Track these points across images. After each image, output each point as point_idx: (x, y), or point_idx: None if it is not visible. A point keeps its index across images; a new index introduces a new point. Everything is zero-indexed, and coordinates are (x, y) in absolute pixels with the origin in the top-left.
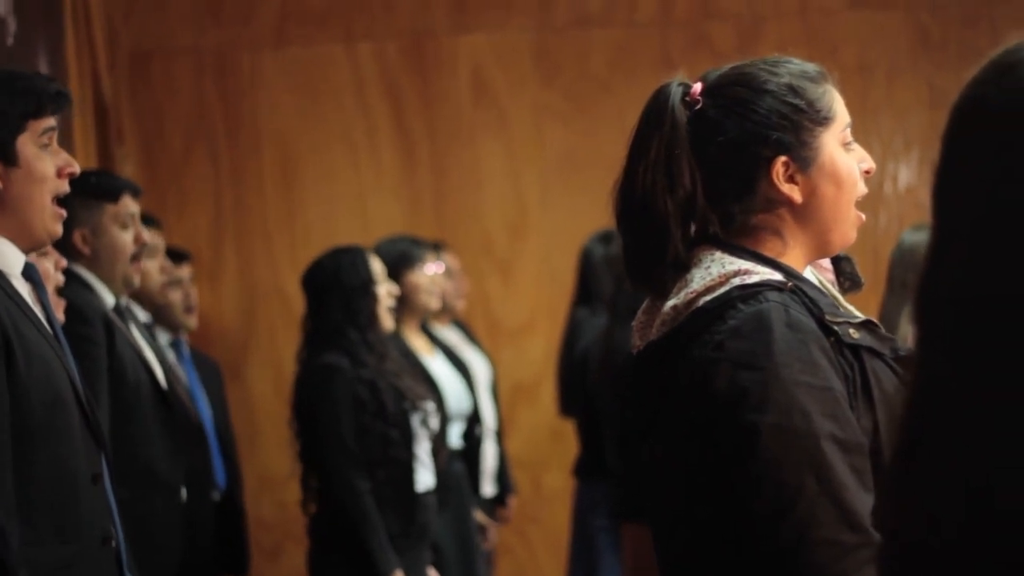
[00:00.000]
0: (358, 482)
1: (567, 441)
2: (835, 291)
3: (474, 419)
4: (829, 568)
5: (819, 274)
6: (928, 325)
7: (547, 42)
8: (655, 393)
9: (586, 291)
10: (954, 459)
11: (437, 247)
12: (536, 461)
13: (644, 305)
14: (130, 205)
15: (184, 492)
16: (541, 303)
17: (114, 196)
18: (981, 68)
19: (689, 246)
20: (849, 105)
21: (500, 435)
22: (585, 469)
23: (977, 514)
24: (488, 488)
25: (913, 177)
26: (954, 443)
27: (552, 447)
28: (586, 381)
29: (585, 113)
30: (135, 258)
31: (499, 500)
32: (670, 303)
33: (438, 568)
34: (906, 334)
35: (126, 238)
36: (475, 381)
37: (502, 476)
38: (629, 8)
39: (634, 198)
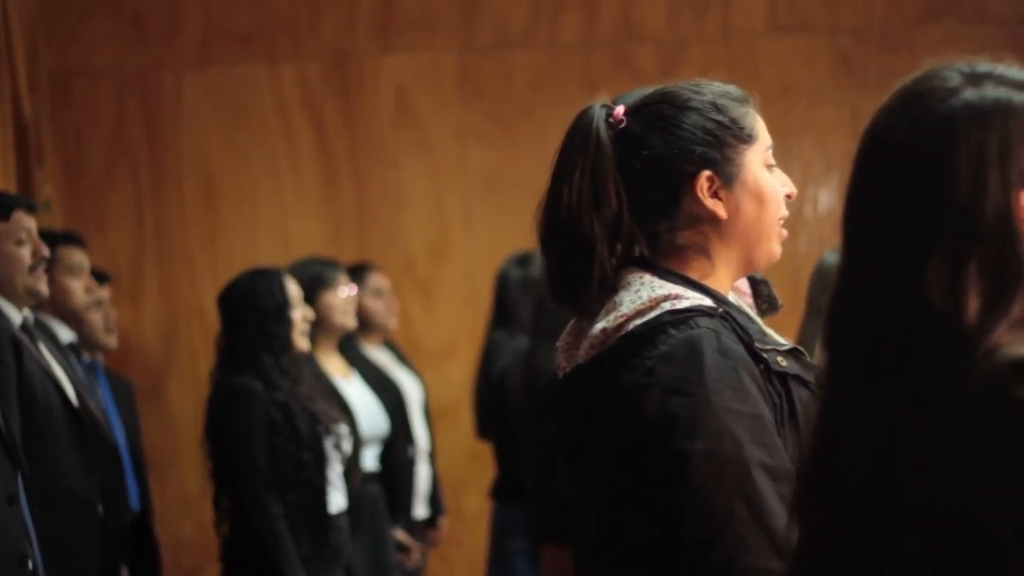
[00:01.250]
0: (271, 505)
1: (487, 463)
2: (754, 315)
3: (395, 440)
4: None
5: (739, 298)
6: (836, 348)
7: (469, 64)
8: (582, 416)
9: (503, 313)
10: (863, 481)
11: (366, 267)
12: (457, 483)
13: (569, 326)
14: (24, 220)
15: (101, 509)
16: (463, 325)
17: (5, 214)
18: (891, 96)
19: (616, 267)
20: (771, 128)
21: (433, 456)
22: (502, 491)
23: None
24: (420, 510)
25: (834, 200)
26: (862, 465)
27: (472, 469)
28: (503, 403)
29: (507, 134)
30: (33, 269)
31: (430, 522)
32: (599, 326)
33: None
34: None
35: (22, 253)
36: (407, 402)
37: (434, 498)
38: (551, 30)
39: (559, 218)
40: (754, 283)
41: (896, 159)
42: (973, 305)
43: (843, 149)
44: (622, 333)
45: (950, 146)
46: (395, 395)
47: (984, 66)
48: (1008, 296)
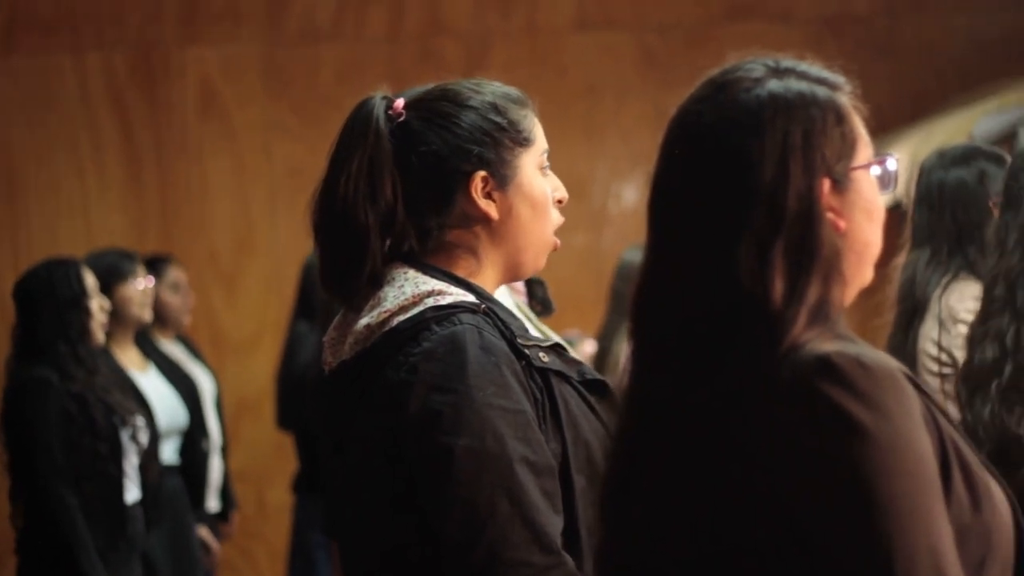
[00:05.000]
0: (67, 497)
1: (291, 456)
2: (530, 313)
3: (193, 434)
4: None
5: (515, 297)
6: (644, 338)
7: (276, 56)
8: (347, 413)
9: (306, 305)
10: (672, 473)
11: (165, 260)
12: (260, 476)
13: (336, 321)
14: None
15: None
16: (267, 318)
17: None
18: (698, 86)
19: (387, 260)
20: (576, 125)
21: (225, 450)
22: (303, 484)
23: (698, 534)
24: (212, 503)
25: (638, 196)
26: (669, 457)
27: (276, 462)
28: (304, 395)
29: (313, 128)
30: None
31: (222, 516)
32: (363, 322)
33: None
34: (625, 350)
35: None
36: (200, 396)
37: (225, 491)
38: (358, 23)
39: (334, 209)
40: (529, 284)
41: (703, 146)
42: (779, 288)
43: (648, 145)
44: (386, 329)
45: (756, 134)
46: (190, 388)
47: (787, 62)
48: (809, 279)
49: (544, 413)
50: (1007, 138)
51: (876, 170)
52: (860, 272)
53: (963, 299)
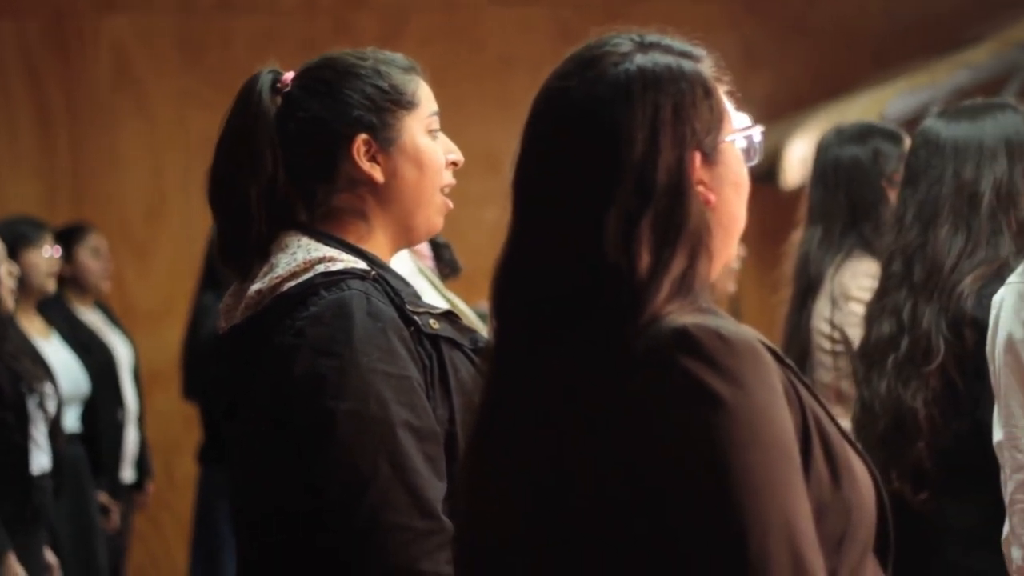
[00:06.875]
0: None
1: (198, 427)
2: (435, 278)
3: (96, 402)
4: (401, 552)
5: (418, 261)
6: (507, 309)
7: (190, 26)
8: (237, 378)
9: (213, 276)
10: (532, 444)
11: (86, 228)
12: (169, 447)
13: (232, 288)
14: None
15: None
16: (178, 288)
17: None
18: (563, 61)
19: (275, 230)
20: (492, 99)
21: (142, 419)
22: (209, 454)
23: (547, 501)
24: (128, 473)
25: None
26: (530, 428)
27: (185, 433)
28: (210, 365)
29: (227, 98)
30: None
31: (138, 486)
32: (255, 287)
33: (55, 552)
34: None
35: None
36: (117, 365)
37: (141, 461)
38: None
39: (220, 182)
40: (436, 247)
41: (572, 122)
42: (644, 261)
43: None
44: (276, 294)
45: (626, 107)
46: (105, 356)
47: (652, 36)
48: (674, 252)
49: (433, 379)
50: (918, 118)
51: (742, 143)
52: (726, 246)
53: (856, 276)
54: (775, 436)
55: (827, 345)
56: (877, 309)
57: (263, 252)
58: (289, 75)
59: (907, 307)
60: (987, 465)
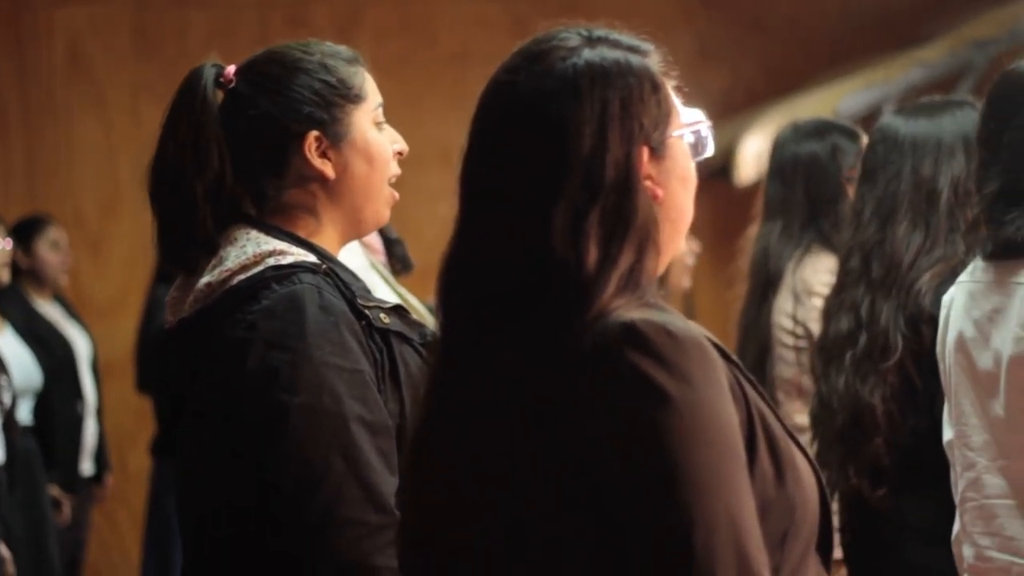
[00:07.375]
0: None
1: (152, 420)
2: (386, 273)
3: (50, 395)
4: (354, 547)
5: (370, 256)
6: (452, 304)
7: (146, 18)
8: (186, 371)
9: (166, 269)
10: (478, 440)
11: (45, 220)
12: (123, 439)
13: (178, 281)
14: None
15: None
16: (133, 281)
17: None
18: (510, 56)
19: (223, 225)
20: (446, 93)
21: (100, 412)
22: (162, 447)
23: (494, 494)
24: (87, 466)
25: None
26: (476, 423)
27: (139, 426)
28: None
29: None
30: None
31: (96, 479)
32: (204, 280)
33: (7, 545)
34: None
35: None
36: (76, 357)
37: (100, 454)
38: None
39: (165, 178)
40: (388, 243)
41: (520, 115)
42: (592, 255)
43: None
44: (226, 287)
45: (574, 102)
46: (64, 350)
47: (599, 30)
48: (622, 247)
49: (383, 373)
50: (873, 115)
51: (689, 137)
52: (674, 240)
53: (817, 272)
54: (721, 433)
55: (789, 340)
56: (835, 304)
57: (210, 246)
58: (231, 69)
59: (865, 303)
60: (945, 462)
